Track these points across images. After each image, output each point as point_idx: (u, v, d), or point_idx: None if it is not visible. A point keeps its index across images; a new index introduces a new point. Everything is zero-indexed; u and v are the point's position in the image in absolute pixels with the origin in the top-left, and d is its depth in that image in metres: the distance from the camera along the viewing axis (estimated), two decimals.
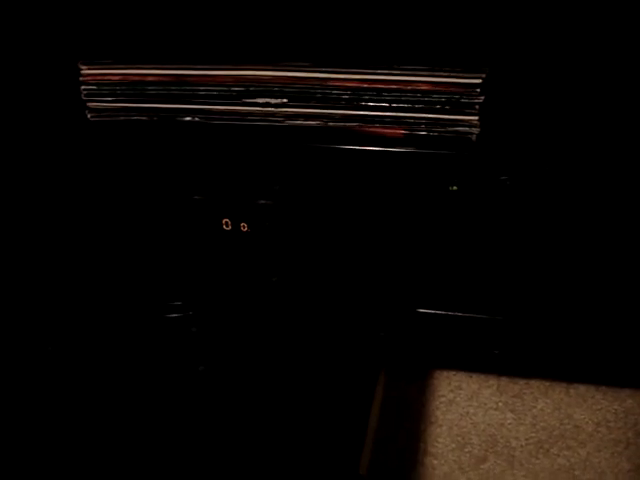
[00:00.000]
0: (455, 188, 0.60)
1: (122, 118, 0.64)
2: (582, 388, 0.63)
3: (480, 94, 0.57)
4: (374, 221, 0.62)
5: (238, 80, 0.60)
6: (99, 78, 0.63)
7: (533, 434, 0.59)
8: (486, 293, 0.62)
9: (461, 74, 0.56)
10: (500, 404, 0.62)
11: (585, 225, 0.59)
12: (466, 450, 0.58)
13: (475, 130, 0.58)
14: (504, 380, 0.63)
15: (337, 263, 0.63)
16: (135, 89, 0.62)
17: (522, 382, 0.64)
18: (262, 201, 0.64)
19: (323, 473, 0.48)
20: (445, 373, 0.64)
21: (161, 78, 0.62)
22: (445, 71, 0.57)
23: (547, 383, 0.63)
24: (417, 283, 0.62)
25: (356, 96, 0.59)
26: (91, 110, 0.63)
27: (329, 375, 0.54)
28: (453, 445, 0.59)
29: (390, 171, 0.60)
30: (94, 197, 0.66)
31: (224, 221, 0.65)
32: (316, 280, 0.63)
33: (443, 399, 0.62)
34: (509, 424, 0.60)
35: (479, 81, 0.56)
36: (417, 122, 0.59)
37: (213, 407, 0.54)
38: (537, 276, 0.61)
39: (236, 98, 0.60)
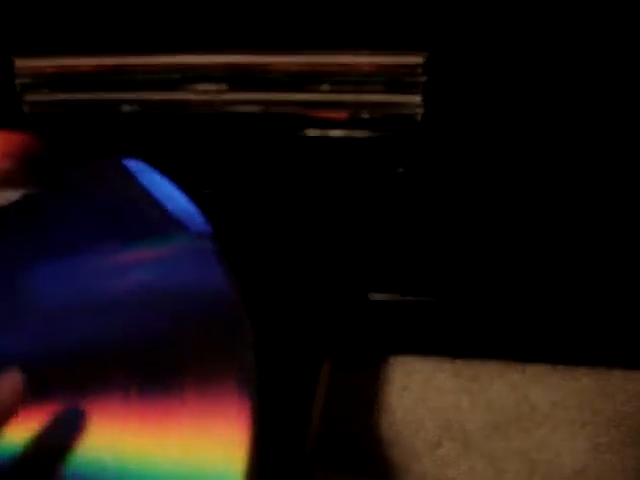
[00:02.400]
0: (402, 170, 0.59)
1: (59, 110, 0.62)
2: (538, 368, 0.63)
3: (423, 74, 0.56)
4: (320, 206, 0.60)
5: (176, 67, 0.59)
6: (34, 70, 0.61)
7: (489, 416, 0.59)
8: (437, 276, 0.61)
9: (403, 54, 0.55)
10: (455, 387, 0.61)
11: (536, 203, 0.59)
12: (420, 436, 0.57)
13: (419, 110, 0.57)
14: (459, 363, 0.63)
15: (282, 251, 0.62)
16: (71, 80, 0.61)
17: (477, 364, 0.63)
18: (206, 191, 0.63)
19: (266, 461, 0.46)
20: (399, 359, 0.63)
21: (98, 68, 0.60)
22: (387, 52, 0.56)
23: (503, 364, 0.63)
24: (369, 267, 0.61)
25: (298, 80, 0.58)
26: (27, 103, 0.61)
27: (270, 364, 0.52)
28: (407, 432, 0.58)
29: (335, 156, 0.59)
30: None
31: None
32: (262, 267, 0.62)
33: (397, 385, 0.61)
34: (464, 407, 0.59)
35: (421, 61, 0.55)
36: (361, 104, 0.58)
37: None
38: (487, 257, 0.61)
39: (175, 85, 0.59)
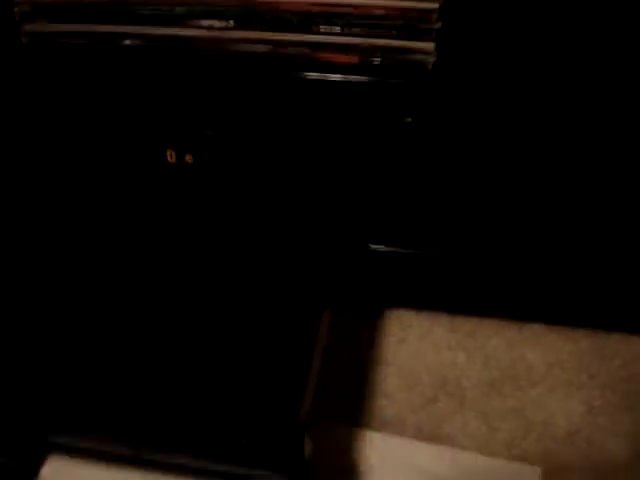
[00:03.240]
0: (410, 120, 0.57)
1: (59, 42, 0.60)
2: (536, 327, 0.62)
3: (437, 20, 0.54)
4: (325, 153, 0.59)
5: (182, 1, 0.56)
6: None
7: (485, 374, 0.58)
8: (440, 230, 0.60)
9: None
10: (452, 343, 0.60)
11: (541, 158, 0.57)
12: (416, 390, 0.57)
13: (432, 58, 0.55)
14: (456, 318, 0.62)
15: (286, 196, 0.60)
16: (72, 10, 0.58)
17: (475, 321, 0.62)
18: (208, 132, 0.61)
19: (261, 419, 0.46)
20: (396, 312, 0.62)
21: None
22: None
23: (500, 322, 0.62)
24: (370, 218, 0.60)
25: (307, 20, 0.56)
26: (26, 33, 0.59)
27: (271, 314, 0.51)
28: (403, 385, 0.57)
29: (343, 101, 0.57)
30: (30, 125, 0.62)
31: (168, 153, 0.62)
32: (264, 215, 0.60)
33: (393, 338, 0.61)
34: (461, 363, 0.59)
35: (436, 6, 0.53)
36: (372, 49, 0.56)
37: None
38: (491, 213, 0.59)
39: (179, 20, 0.57)
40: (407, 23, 0.55)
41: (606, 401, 0.59)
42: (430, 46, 0.55)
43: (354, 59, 0.56)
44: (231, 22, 0.56)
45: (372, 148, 0.59)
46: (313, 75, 0.57)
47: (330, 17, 0.55)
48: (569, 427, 0.57)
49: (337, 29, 0.55)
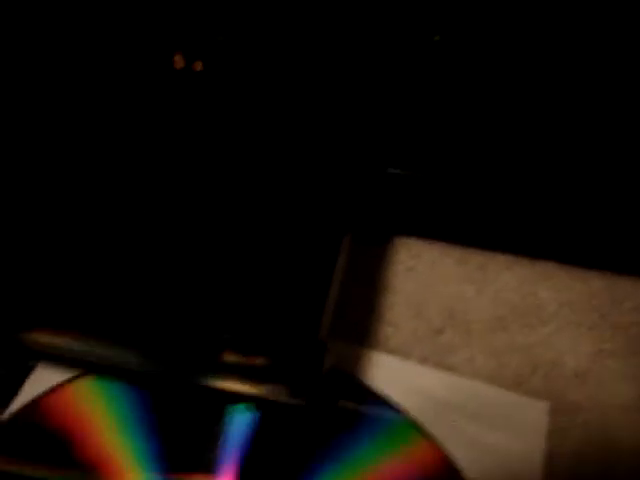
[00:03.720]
0: (438, 38, 0.54)
1: None
2: (548, 265, 0.60)
3: None
4: (345, 66, 0.56)
5: None
6: None
7: (493, 309, 0.56)
8: (459, 157, 0.57)
9: None
10: (461, 275, 0.58)
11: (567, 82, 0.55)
12: (423, 320, 0.55)
13: None
14: (467, 251, 0.60)
15: (301, 113, 0.57)
16: None
17: (486, 254, 0.60)
18: (220, 37, 0.58)
19: (282, 336, 0.44)
20: (405, 240, 0.60)
21: None
22: None
23: (512, 257, 0.60)
24: (389, 142, 0.57)
25: None
26: None
27: (292, 237, 0.49)
28: (410, 314, 0.55)
29: (368, 10, 0.54)
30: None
31: (176, 58, 0.59)
32: (278, 132, 0.57)
33: (401, 267, 0.58)
34: (469, 297, 0.56)
35: None
36: None
37: (153, 254, 0.49)
38: (511, 144, 0.57)
39: None
40: None
41: (616, 344, 0.57)
42: None
43: None
44: None
45: (394, 67, 0.56)
46: None
47: None
48: (577, 367, 0.56)
49: None
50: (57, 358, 0.50)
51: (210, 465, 0.49)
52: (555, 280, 0.60)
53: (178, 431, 0.50)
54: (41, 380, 0.53)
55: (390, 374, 0.54)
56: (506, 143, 0.56)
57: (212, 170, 0.55)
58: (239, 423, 0.51)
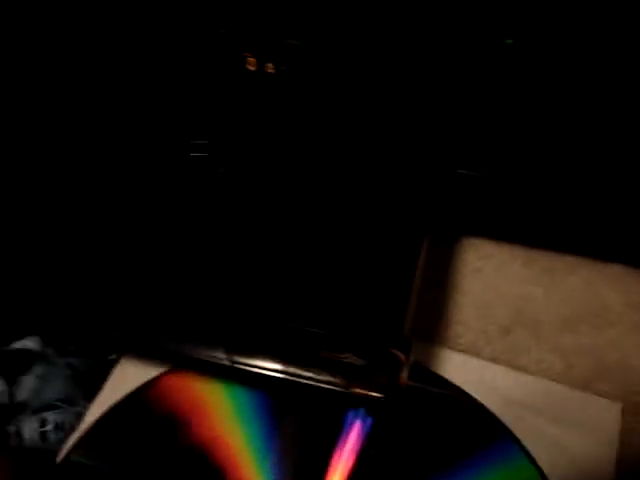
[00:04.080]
0: (510, 41, 0.55)
1: None
2: (614, 268, 0.60)
3: None
4: (419, 72, 0.57)
5: None
6: None
7: (561, 310, 0.57)
8: (528, 160, 0.58)
9: None
10: (529, 277, 0.59)
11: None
12: (491, 321, 0.56)
13: None
14: (535, 252, 0.61)
15: (375, 121, 0.58)
16: None
17: (553, 256, 0.61)
18: (292, 41, 0.59)
19: (368, 335, 0.45)
20: (473, 241, 0.61)
21: None
22: None
23: (578, 259, 0.60)
24: (460, 144, 0.58)
25: None
26: None
27: (374, 238, 0.50)
28: (478, 315, 0.56)
29: (443, 16, 0.55)
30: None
31: (249, 60, 0.60)
32: (351, 133, 0.58)
33: (470, 267, 0.59)
34: (537, 298, 0.57)
35: None
36: None
37: (245, 256, 0.50)
38: (580, 148, 0.58)
39: None
40: None
41: None
42: None
43: None
44: None
45: (467, 70, 0.56)
46: None
47: None
48: None
49: None
50: (145, 352, 0.52)
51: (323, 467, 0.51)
52: (621, 282, 0.61)
53: (294, 435, 0.52)
54: (124, 374, 0.55)
55: (463, 372, 0.55)
56: (575, 146, 0.57)
57: (294, 172, 0.56)
58: (356, 428, 0.52)
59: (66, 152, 0.59)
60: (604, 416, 0.53)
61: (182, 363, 0.54)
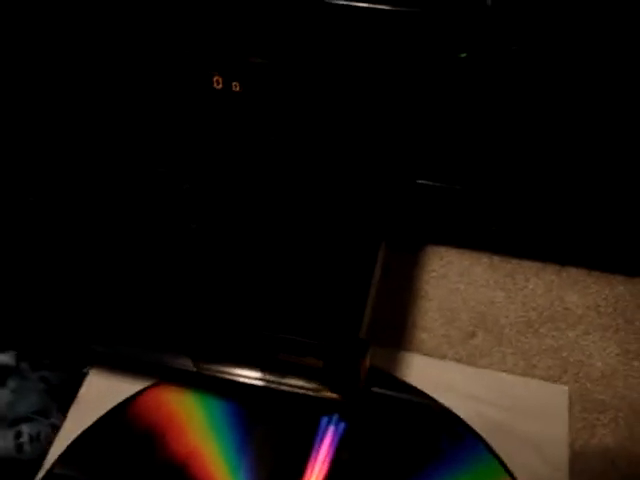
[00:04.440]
0: (464, 55, 0.57)
1: None
2: (574, 271, 0.62)
3: None
4: (376, 86, 0.59)
5: None
6: None
7: (523, 314, 0.59)
8: (486, 168, 0.60)
9: None
10: (491, 282, 0.61)
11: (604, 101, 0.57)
12: (455, 325, 0.57)
13: None
14: (496, 259, 0.62)
15: (336, 131, 0.60)
16: None
17: (514, 262, 0.62)
18: (256, 59, 0.61)
19: (324, 336, 0.46)
20: (437, 248, 0.63)
21: None
22: None
23: (539, 264, 0.62)
24: (419, 154, 0.60)
25: None
26: None
27: (330, 243, 0.52)
28: (442, 320, 0.58)
29: (394, 33, 0.57)
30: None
31: (215, 79, 0.62)
32: (314, 146, 0.60)
33: (434, 274, 0.61)
34: (499, 302, 0.59)
35: None
36: None
37: (208, 267, 0.51)
38: (539, 154, 0.59)
39: None
40: None
41: None
42: None
43: None
44: None
45: (423, 82, 0.58)
46: (362, 4, 0.56)
47: None
48: (605, 369, 0.58)
49: None
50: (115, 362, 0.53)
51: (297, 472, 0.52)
52: (581, 285, 0.62)
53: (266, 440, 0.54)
54: (96, 385, 0.57)
55: (421, 373, 0.56)
56: (532, 155, 0.59)
57: (253, 180, 0.58)
58: (329, 434, 0.54)
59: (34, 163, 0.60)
60: (553, 400, 0.55)
61: (151, 372, 0.56)
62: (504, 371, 0.57)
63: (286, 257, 0.52)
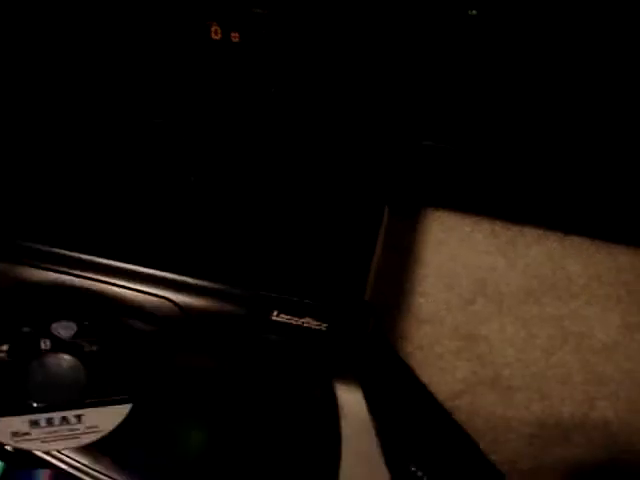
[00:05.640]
0: (475, 12, 0.55)
1: None
2: (577, 240, 0.61)
3: None
4: (380, 43, 0.56)
5: None
6: None
7: (524, 281, 0.57)
8: (493, 129, 0.58)
9: None
10: (492, 249, 0.59)
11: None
12: (454, 291, 0.56)
13: None
14: (498, 225, 0.61)
15: (338, 91, 0.58)
16: None
17: (516, 228, 0.61)
18: (257, 10, 0.59)
19: (329, 297, 0.45)
20: (437, 213, 0.61)
21: None
22: None
23: (542, 231, 0.61)
24: (424, 114, 0.58)
25: None
26: None
27: (336, 207, 0.50)
28: (441, 285, 0.56)
29: None
30: None
31: (213, 29, 0.60)
32: (314, 100, 0.58)
33: (433, 239, 0.59)
34: (500, 269, 0.58)
35: None
36: None
37: (207, 222, 0.50)
38: (545, 117, 0.58)
39: None
40: None
41: None
42: None
43: None
44: None
45: (430, 42, 0.56)
46: None
47: None
48: (606, 340, 0.57)
49: None
50: None
51: None
52: (584, 255, 0.61)
53: None
54: None
55: None
56: (537, 118, 0.57)
57: (253, 143, 0.56)
58: None
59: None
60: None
61: None
62: (504, 340, 0.56)
63: (288, 217, 0.51)
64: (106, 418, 0.44)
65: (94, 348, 0.47)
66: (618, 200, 0.59)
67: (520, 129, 0.58)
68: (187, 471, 0.46)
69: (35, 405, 0.44)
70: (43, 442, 0.43)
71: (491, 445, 0.54)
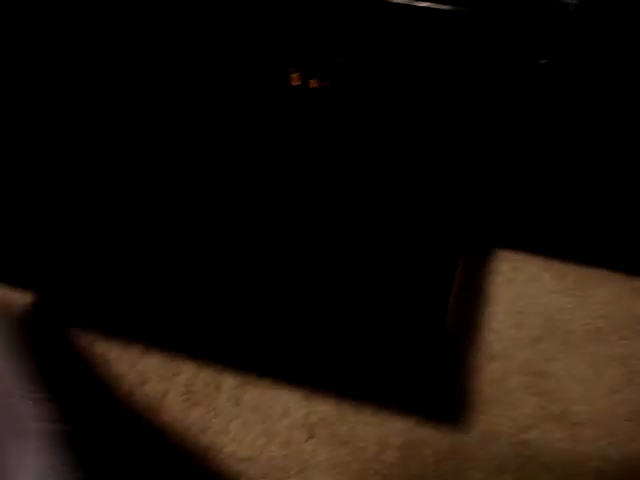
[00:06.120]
0: (545, 61, 0.57)
1: None
2: None
3: None
4: (454, 91, 0.59)
5: None
6: None
7: (590, 321, 0.58)
8: (563, 175, 0.60)
9: None
10: (559, 288, 0.61)
11: None
12: (523, 329, 0.58)
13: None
14: (565, 266, 0.62)
15: (416, 134, 0.61)
16: None
17: (582, 270, 0.62)
18: (338, 58, 0.61)
19: (412, 327, 0.47)
20: (506, 253, 0.63)
21: None
22: None
23: (607, 273, 0.62)
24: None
25: None
26: None
27: (417, 247, 0.53)
28: (510, 323, 0.58)
29: (476, 35, 0.57)
30: None
31: (292, 75, 0.62)
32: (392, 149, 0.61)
33: (502, 278, 0.61)
34: (567, 308, 0.59)
35: None
36: None
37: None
38: (617, 164, 0.59)
39: None
40: None
41: None
42: None
43: None
44: None
45: (503, 89, 0.58)
46: (445, 7, 0.56)
47: None
48: None
49: None
50: None
51: None
52: None
53: None
54: None
55: None
56: (608, 165, 0.59)
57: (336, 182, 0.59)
58: None
59: None
60: None
61: None
62: (572, 377, 0.57)
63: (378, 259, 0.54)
64: None
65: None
66: None
67: (586, 174, 0.60)
68: None
69: None
70: None
71: (559, 479, 0.55)
